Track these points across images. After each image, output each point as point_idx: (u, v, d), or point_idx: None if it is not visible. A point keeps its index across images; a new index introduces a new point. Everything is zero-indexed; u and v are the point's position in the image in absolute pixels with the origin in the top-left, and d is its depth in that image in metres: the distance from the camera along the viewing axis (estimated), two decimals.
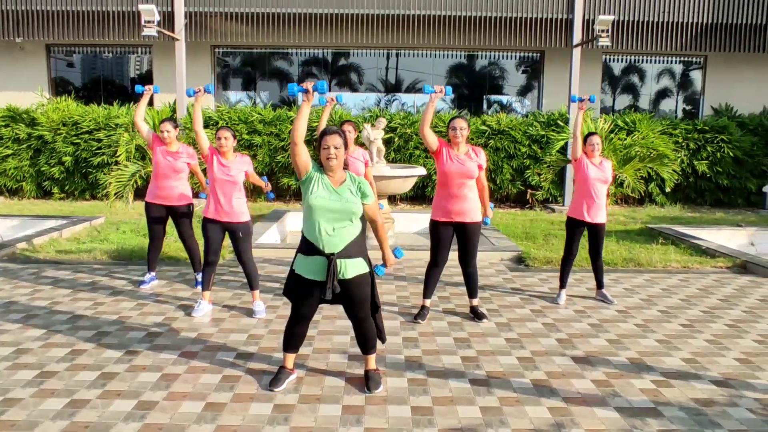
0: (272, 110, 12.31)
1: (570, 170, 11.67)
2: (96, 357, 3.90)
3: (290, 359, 3.58)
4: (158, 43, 12.92)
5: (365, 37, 12.34)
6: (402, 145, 12.07)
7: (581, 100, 5.26)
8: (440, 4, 12.22)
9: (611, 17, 11.01)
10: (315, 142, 4.20)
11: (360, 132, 7.96)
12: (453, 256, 5.02)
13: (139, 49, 13.72)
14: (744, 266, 6.76)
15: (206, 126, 11.09)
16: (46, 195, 12.43)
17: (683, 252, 7.38)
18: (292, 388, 3.48)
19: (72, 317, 4.70)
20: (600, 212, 5.23)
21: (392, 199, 11.83)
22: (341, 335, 4.37)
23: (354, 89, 14.14)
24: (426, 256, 5.17)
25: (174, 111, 11.82)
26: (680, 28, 12.44)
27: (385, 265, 3.53)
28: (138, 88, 5.36)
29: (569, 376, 3.73)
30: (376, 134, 8.09)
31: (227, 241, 5.08)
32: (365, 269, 3.37)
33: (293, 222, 9.66)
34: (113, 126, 11.65)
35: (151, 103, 11.55)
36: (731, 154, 12.17)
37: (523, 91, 14.23)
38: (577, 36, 12.04)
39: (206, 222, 4.78)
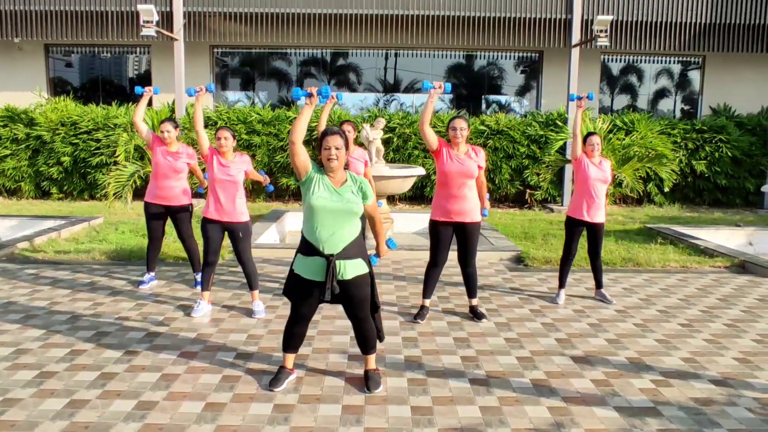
0: (271, 110, 12.30)
1: (569, 170, 11.69)
2: (95, 357, 3.90)
3: (290, 359, 3.58)
4: (157, 43, 12.91)
5: (364, 37, 12.34)
6: (401, 145, 12.07)
7: (579, 98, 5.28)
8: (439, 4, 12.21)
9: (610, 17, 11.02)
10: (315, 142, 4.19)
11: (359, 132, 7.96)
12: (452, 256, 5.03)
13: (138, 49, 13.71)
14: (742, 266, 6.77)
15: (205, 126, 11.05)
16: (45, 195, 12.42)
17: (682, 252, 7.40)
18: (291, 388, 3.48)
19: (71, 317, 4.70)
20: (599, 212, 5.25)
21: (391, 199, 11.82)
22: (341, 335, 4.37)
23: (353, 89, 14.13)
24: (425, 256, 5.18)
25: (173, 111, 11.80)
26: (678, 28, 12.45)
27: (378, 255, 3.64)
28: (138, 89, 5.35)
29: (568, 375, 3.74)
30: (375, 134, 8.09)
31: (227, 242, 5.08)
32: (365, 270, 3.37)
33: (292, 222, 9.66)
34: (112, 126, 11.64)
35: (150, 103, 11.51)
36: (729, 153, 12.19)
37: (522, 91, 14.23)
38: (576, 36, 12.06)
39: (206, 222, 4.78)
